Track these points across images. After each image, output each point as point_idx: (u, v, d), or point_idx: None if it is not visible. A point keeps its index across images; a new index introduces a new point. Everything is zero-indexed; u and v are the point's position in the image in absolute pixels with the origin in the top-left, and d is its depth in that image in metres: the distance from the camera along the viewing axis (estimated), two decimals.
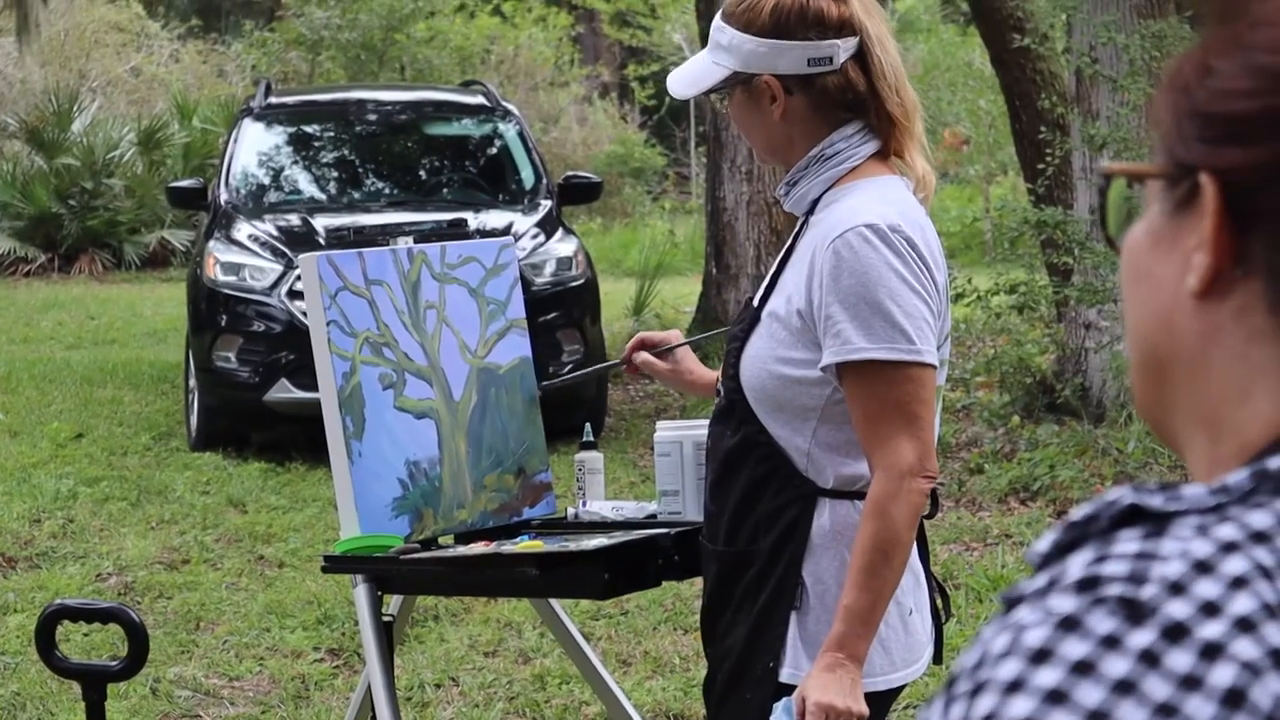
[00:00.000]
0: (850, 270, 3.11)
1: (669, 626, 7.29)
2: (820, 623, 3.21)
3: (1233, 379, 1.07)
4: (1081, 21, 10.36)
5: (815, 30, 3.23)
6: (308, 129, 12.88)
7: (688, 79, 3.38)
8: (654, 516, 4.10)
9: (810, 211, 3.29)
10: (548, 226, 11.60)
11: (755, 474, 3.27)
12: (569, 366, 10.98)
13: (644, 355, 3.84)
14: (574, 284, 11.33)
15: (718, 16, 3.34)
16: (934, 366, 3.17)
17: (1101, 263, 9.69)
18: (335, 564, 4.03)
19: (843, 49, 3.23)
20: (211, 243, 11.31)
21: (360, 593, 3.94)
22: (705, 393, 3.81)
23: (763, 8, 3.25)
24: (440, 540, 4.11)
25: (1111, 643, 0.94)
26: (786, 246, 3.33)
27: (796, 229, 3.33)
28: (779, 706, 3.20)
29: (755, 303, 3.32)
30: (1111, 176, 1.15)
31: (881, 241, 3.12)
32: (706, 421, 4.04)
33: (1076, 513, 1.02)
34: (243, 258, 11.09)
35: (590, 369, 4.46)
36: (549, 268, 11.27)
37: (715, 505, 3.37)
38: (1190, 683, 0.92)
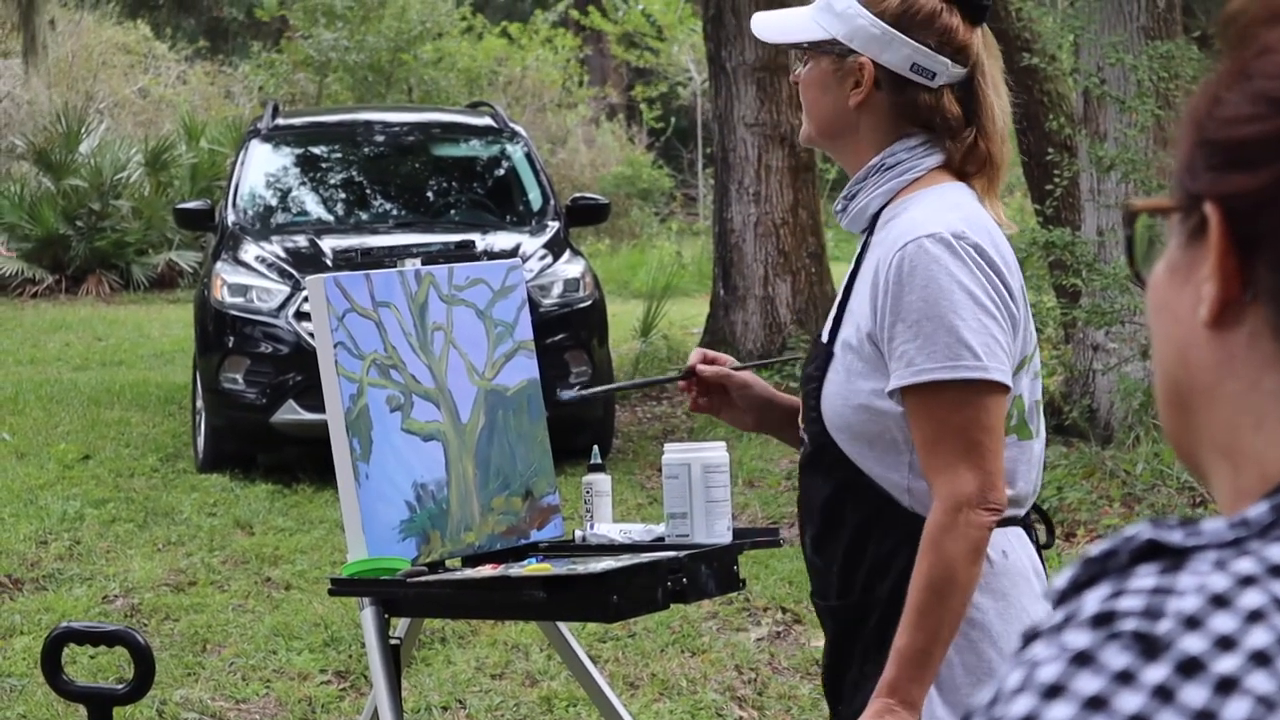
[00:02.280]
0: (912, 285, 2.93)
1: (676, 649, 7.27)
2: (952, 664, 3.00)
3: (1248, 408, 1.07)
4: (1089, 42, 10.36)
5: (935, 40, 3.05)
6: (315, 150, 12.88)
7: (779, 27, 3.17)
8: (662, 539, 4.09)
9: (870, 229, 3.10)
10: (555, 248, 11.60)
11: (858, 519, 3.06)
12: (580, 386, 10.97)
13: (712, 369, 3.42)
14: (581, 305, 11.33)
15: None
16: (1004, 387, 2.96)
17: (1110, 284, 9.68)
18: (342, 586, 4.01)
19: (948, 71, 3.06)
20: (219, 264, 11.30)
21: (367, 615, 3.93)
22: (777, 423, 3.42)
23: None
24: (448, 563, 4.10)
25: (1125, 678, 0.93)
26: (850, 272, 3.13)
27: (858, 251, 3.14)
28: None
29: (825, 337, 3.11)
30: (1136, 213, 1.15)
31: (946, 251, 2.93)
32: (715, 444, 4.03)
33: (1095, 549, 1.02)
34: (250, 279, 11.08)
35: (637, 383, 4.29)
36: (556, 289, 11.26)
37: (821, 560, 3.15)
38: (1204, 718, 0.91)
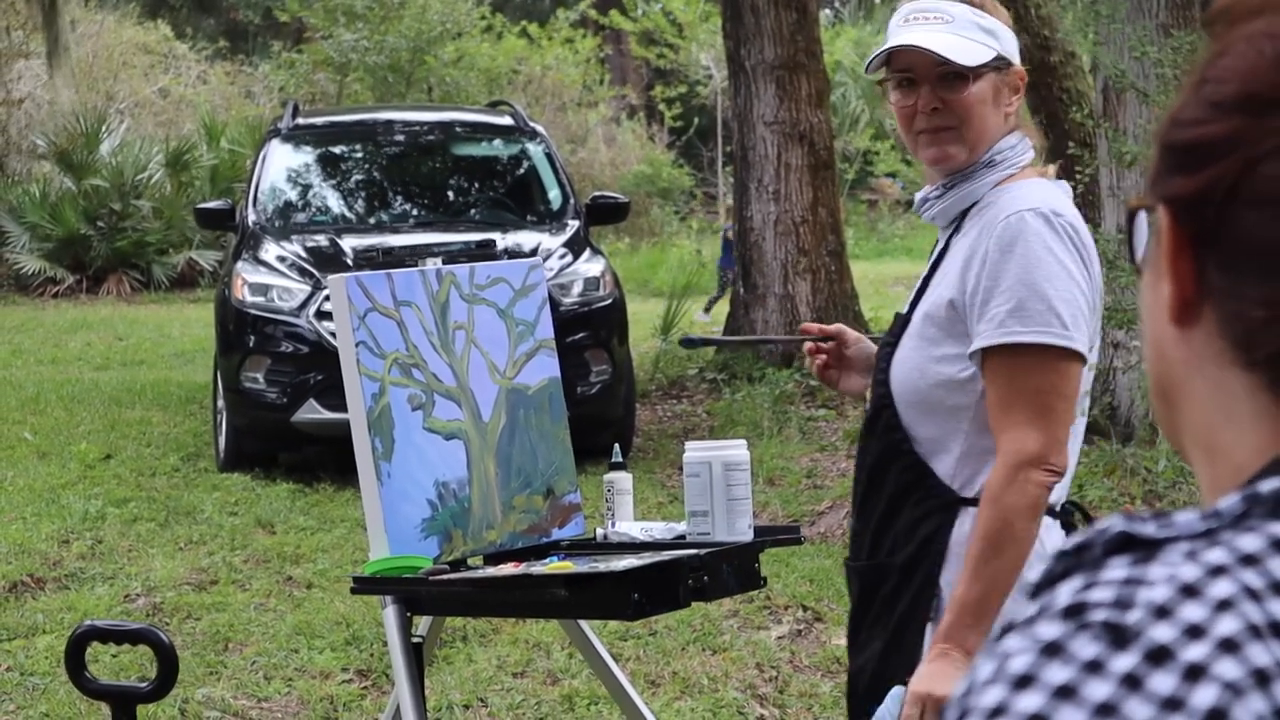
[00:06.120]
0: (1011, 253, 3.12)
1: (697, 647, 7.27)
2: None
3: (1215, 403, 1.10)
4: (1115, 32, 10.35)
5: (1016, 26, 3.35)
6: (335, 150, 12.89)
7: (964, 49, 3.29)
8: (683, 537, 4.09)
9: (959, 220, 3.29)
10: (575, 247, 11.60)
11: (898, 485, 3.24)
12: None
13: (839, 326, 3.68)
14: (601, 304, 11.32)
15: (964, 5, 3.32)
16: (1083, 357, 3.14)
17: (1130, 283, 9.66)
18: (364, 585, 4.02)
19: None
20: (239, 264, 11.32)
21: (389, 614, 3.94)
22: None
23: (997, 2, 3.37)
24: (469, 561, 4.10)
25: (1094, 667, 0.94)
26: (935, 255, 3.33)
27: (947, 236, 3.32)
28: (891, 694, 3.18)
29: (905, 311, 3.31)
30: (1134, 210, 1.18)
31: (1045, 226, 3.14)
32: (735, 442, 4.04)
33: (1068, 542, 1.03)
34: (271, 279, 11.09)
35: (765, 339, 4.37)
36: (577, 288, 11.26)
37: (860, 522, 3.34)
38: (1172, 704, 0.92)
